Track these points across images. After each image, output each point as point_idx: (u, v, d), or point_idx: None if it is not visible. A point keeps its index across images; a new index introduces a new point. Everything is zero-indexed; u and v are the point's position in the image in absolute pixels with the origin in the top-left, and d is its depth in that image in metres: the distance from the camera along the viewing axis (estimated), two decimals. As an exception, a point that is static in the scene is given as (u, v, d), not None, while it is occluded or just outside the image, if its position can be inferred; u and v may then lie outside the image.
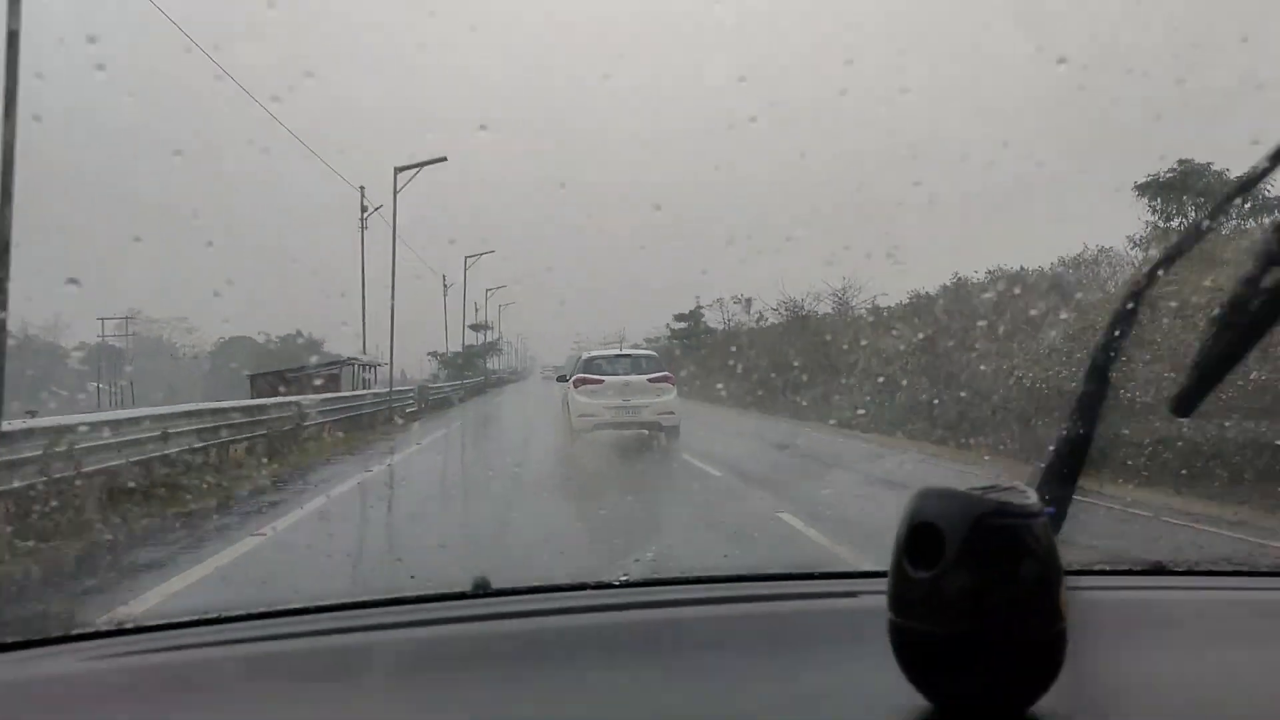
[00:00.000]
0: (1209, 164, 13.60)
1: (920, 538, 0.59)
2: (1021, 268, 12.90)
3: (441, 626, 0.76)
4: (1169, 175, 13.77)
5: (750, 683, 0.68)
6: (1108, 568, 0.96)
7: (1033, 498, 0.60)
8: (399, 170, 14.83)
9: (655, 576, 0.94)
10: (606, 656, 0.73)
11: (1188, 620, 0.81)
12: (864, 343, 12.99)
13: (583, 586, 0.88)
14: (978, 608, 0.57)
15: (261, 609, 0.77)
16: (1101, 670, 0.65)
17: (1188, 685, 0.66)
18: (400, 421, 13.88)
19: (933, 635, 0.58)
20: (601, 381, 10.44)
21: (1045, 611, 0.58)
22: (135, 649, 0.71)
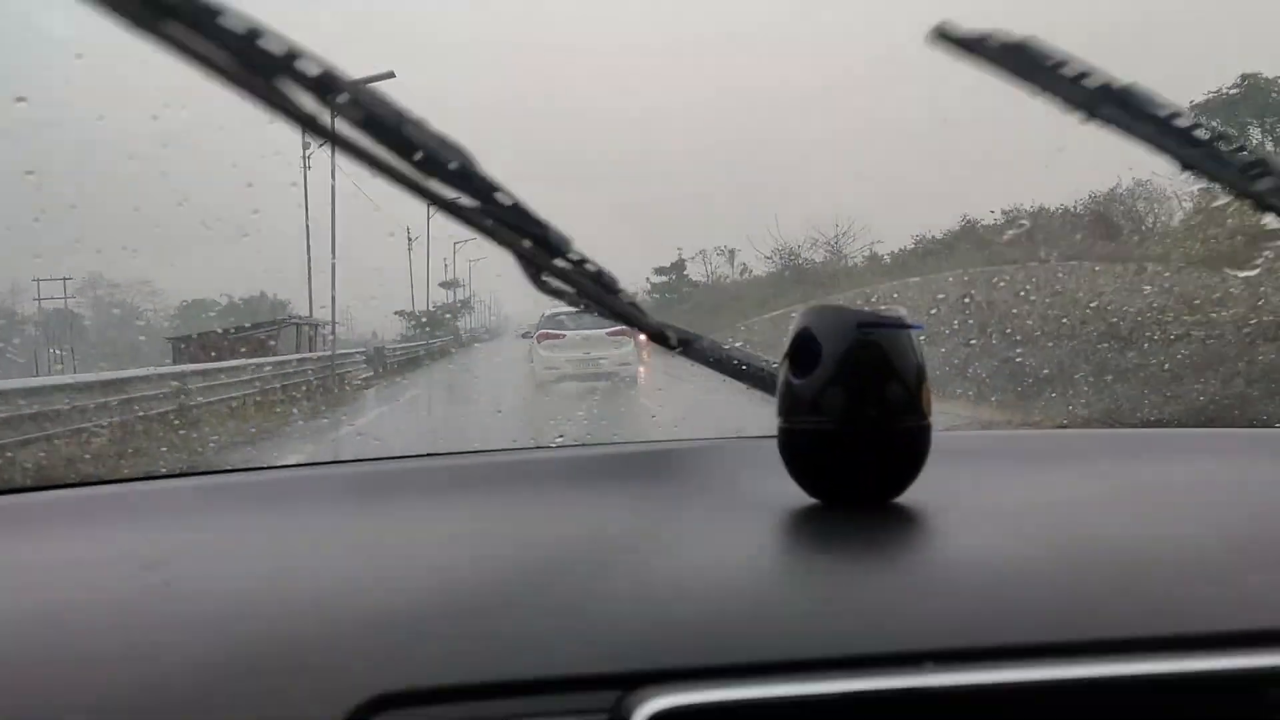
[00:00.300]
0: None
1: (802, 349, 0.66)
2: (1041, 206, 12.12)
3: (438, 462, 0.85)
4: (1232, 92, 12.82)
5: (663, 498, 0.76)
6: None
7: (904, 313, 0.68)
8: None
9: (587, 440, 1.02)
10: (551, 483, 0.81)
11: (1028, 451, 0.90)
12: (874, 297, 12.23)
13: (530, 447, 0.97)
14: (852, 406, 0.64)
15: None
16: (955, 478, 0.73)
17: (1018, 491, 0.75)
18: (349, 390, 12.29)
19: (814, 434, 0.65)
20: (563, 336, 11.21)
21: (912, 409, 0.65)
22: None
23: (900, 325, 0.66)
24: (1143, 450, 0.90)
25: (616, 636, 0.46)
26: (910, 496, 0.67)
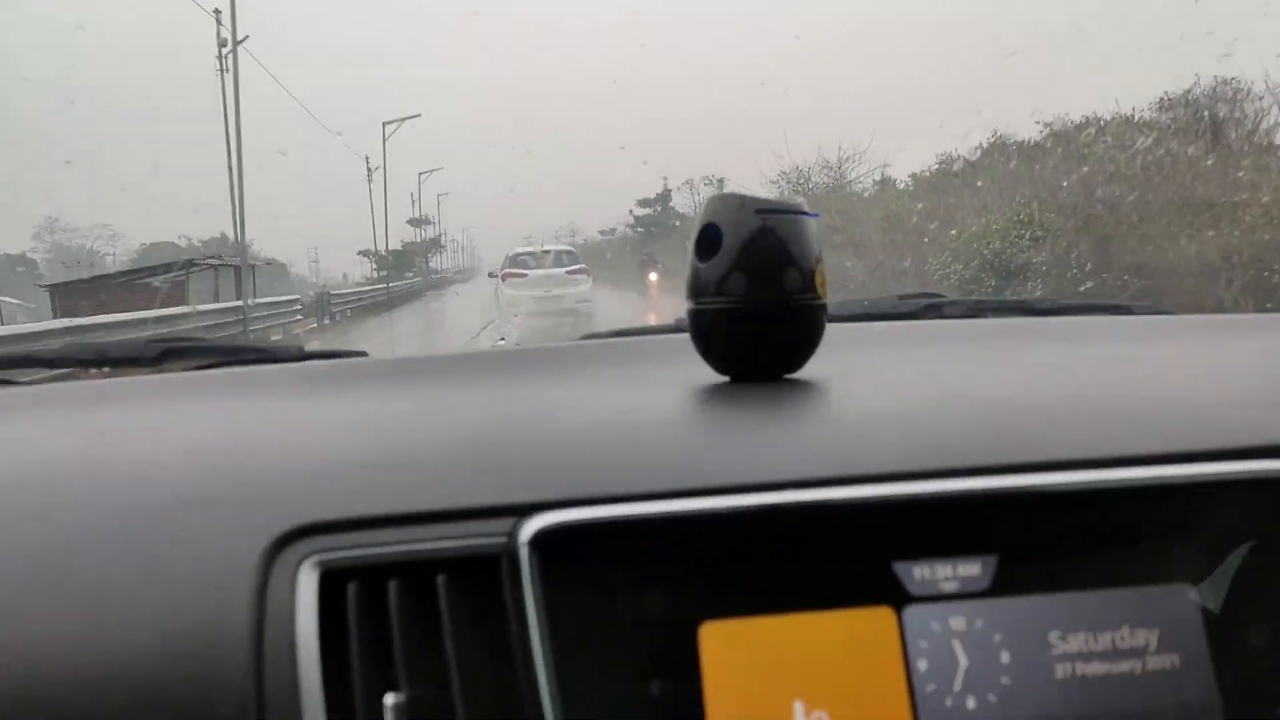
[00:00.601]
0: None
1: (707, 237, 0.71)
2: (1086, 117, 10.37)
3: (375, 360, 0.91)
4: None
5: (577, 379, 0.81)
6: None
7: (804, 204, 0.73)
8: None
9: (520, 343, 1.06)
10: (477, 374, 0.86)
11: (930, 336, 0.96)
12: (901, 237, 11.26)
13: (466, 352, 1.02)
14: (753, 287, 0.69)
15: None
16: (852, 358, 0.79)
17: (911, 366, 0.80)
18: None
19: (718, 312, 0.71)
20: (525, 275, 12.25)
21: (808, 289, 0.71)
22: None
23: (797, 212, 0.72)
24: (1050, 335, 0.96)
25: (515, 474, 0.51)
26: (808, 372, 0.73)
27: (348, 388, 0.77)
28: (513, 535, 0.46)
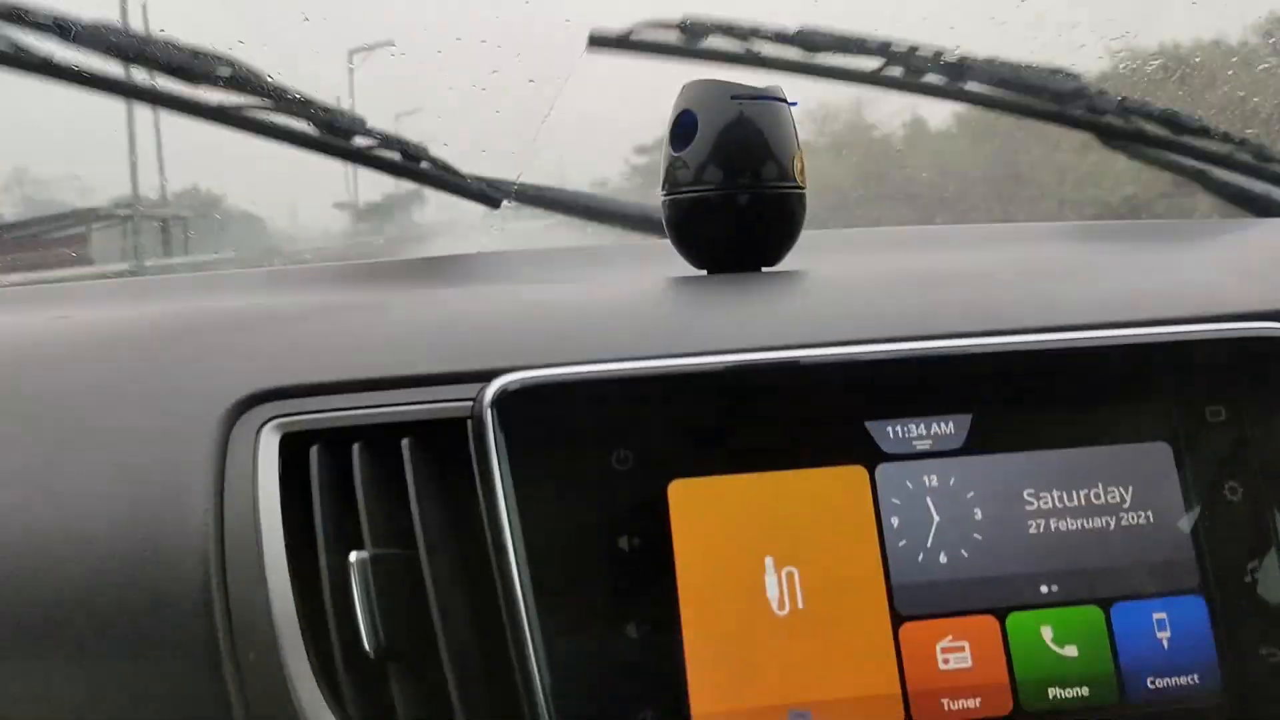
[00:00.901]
0: None
1: (682, 125, 0.70)
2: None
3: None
4: None
5: (547, 279, 0.80)
6: None
7: (781, 92, 0.71)
8: None
9: None
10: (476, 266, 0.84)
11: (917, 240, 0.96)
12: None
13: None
14: (728, 172, 0.68)
15: None
16: (837, 257, 0.77)
17: (895, 265, 0.79)
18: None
19: (694, 201, 0.69)
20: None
21: (785, 175, 0.69)
22: None
23: (776, 99, 0.70)
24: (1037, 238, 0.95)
25: (481, 341, 0.50)
26: (788, 264, 0.72)
27: (313, 283, 0.76)
28: (478, 399, 0.45)
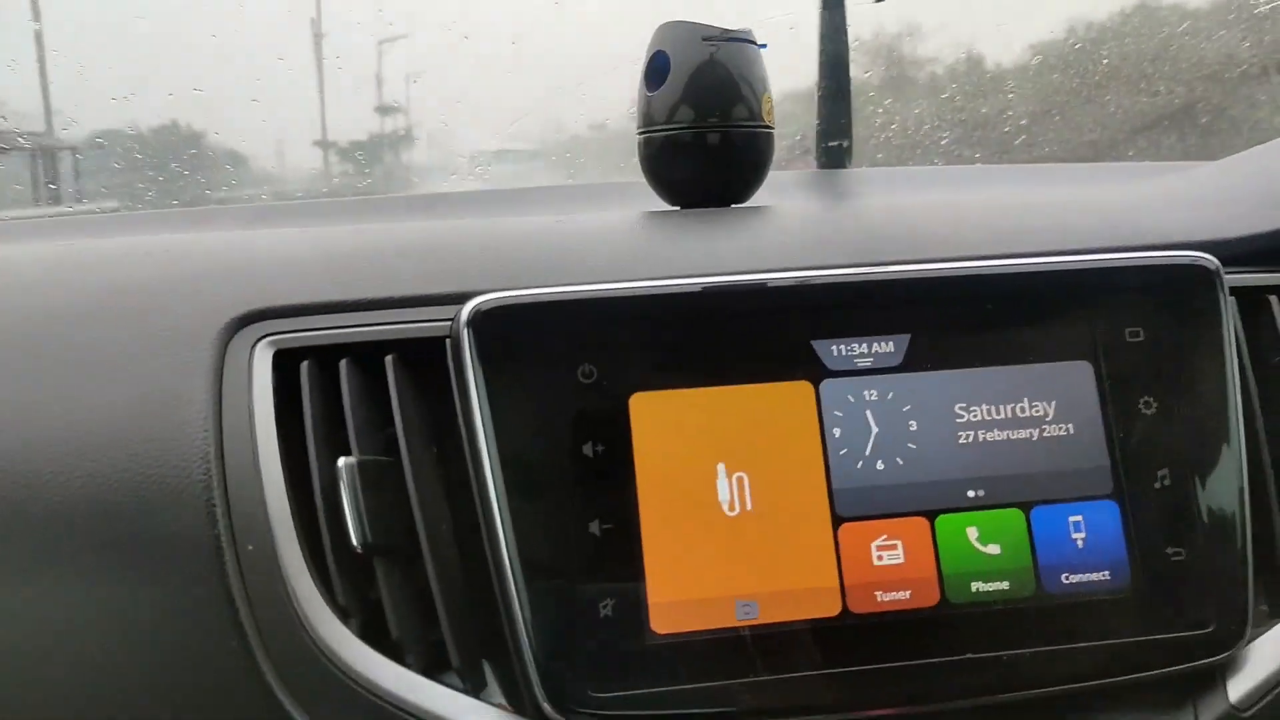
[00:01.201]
0: None
1: (655, 65, 0.72)
2: None
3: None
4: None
5: (536, 209, 0.83)
6: None
7: (752, 34, 0.74)
8: None
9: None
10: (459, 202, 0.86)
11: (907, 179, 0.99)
12: None
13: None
14: (697, 110, 0.71)
15: None
16: (809, 193, 0.80)
17: (875, 199, 0.83)
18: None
19: (666, 138, 0.72)
20: None
21: (755, 115, 0.72)
22: None
23: (745, 40, 0.73)
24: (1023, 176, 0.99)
25: (460, 266, 0.54)
26: (757, 201, 0.75)
27: (301, 215, 0.79)
28: (455, 318, 0.49)
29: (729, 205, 0.75)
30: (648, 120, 0.73)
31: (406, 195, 0.94)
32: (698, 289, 0.50)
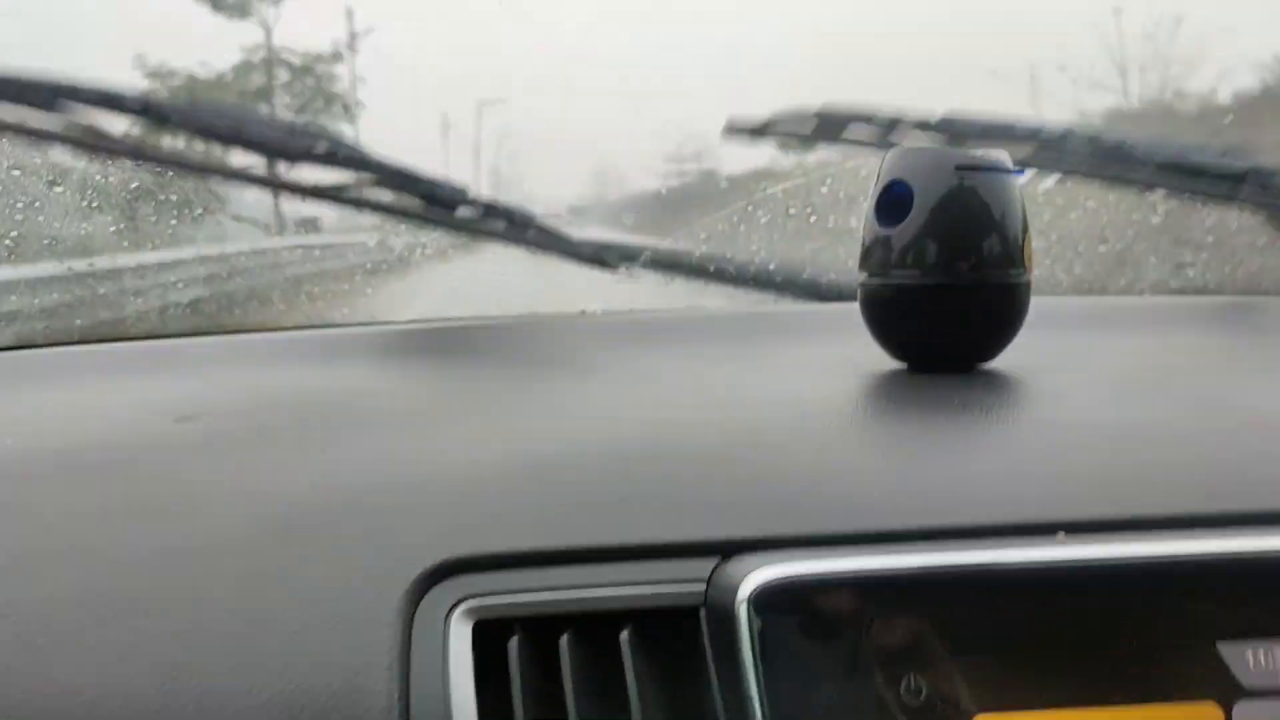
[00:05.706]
0: None
1: (893, 196, 0.60)
2: None
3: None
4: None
5: (733, 360, 0.70)
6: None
7: (1005, 158, 0.61)
8: None
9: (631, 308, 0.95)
10: (606, 346, 0.77)
11: (1122, 316, 0.85)
12: None
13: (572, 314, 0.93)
14: (946, 258, 0.58)
15: None
16: (1046, 342, 0.67)
17: (1123, 355, 0.69)
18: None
19: (901, 288, 0.59)
20: None
21: (1012, 262, 0.59)
22: None
23: (1004, 169, 0.60)
24: (1239, 318, 0.84)
25: (708, 502, 0.41)
26: (1004, 361, 0.61)
27: (464, 360, 0.67)
28: (715, 584, 0.36)
29: (970, 366, 0.61)
30: (883, 262, 0.60)
31: (570, 324, 0.83)
32: (1047, 566, 0.36)
